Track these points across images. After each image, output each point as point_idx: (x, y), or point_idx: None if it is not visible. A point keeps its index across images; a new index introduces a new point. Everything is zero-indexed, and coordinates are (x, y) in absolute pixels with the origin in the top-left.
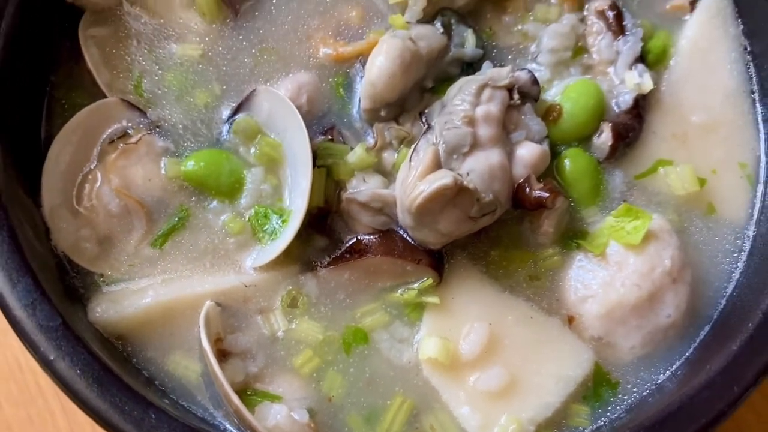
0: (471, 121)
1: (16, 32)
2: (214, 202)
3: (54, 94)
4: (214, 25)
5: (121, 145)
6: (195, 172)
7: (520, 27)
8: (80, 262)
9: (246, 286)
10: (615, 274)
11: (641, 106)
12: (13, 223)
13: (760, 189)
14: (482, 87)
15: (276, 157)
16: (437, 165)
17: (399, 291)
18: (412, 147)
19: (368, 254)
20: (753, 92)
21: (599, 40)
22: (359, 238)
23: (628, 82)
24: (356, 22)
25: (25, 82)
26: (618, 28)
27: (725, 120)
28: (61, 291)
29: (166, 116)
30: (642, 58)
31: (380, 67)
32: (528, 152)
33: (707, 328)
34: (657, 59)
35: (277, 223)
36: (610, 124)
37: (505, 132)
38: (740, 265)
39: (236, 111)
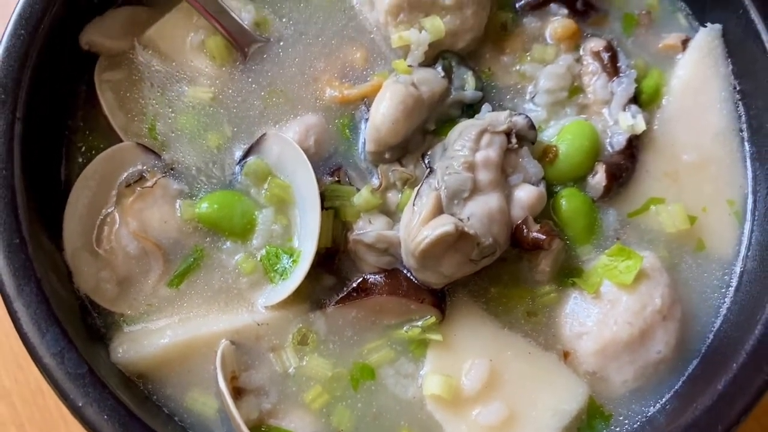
0: (471, 167)
1: (37, 81)
2: (228, 243)
3: (72, 139)
4: (224, 68)
5: (138, 188)
6: (209, 214)
7: (518, 67)
8: (101, 303)
9: (258, 325)
10: (608, 312)
11: (634, 146)
12: (39, 273)
13: (747, 226)
14: (482, 132)
15: (286, 198)
16: (439, 210)
17: (404, 328)
18: (415, 190)
19: (374, 294)
20: (742, 131)
21: (594, 81)
22: (365, 278)
23: (621, 124)
24: (360, 63)
25: (44, 128)
26: (613, 69)
27: (715, 158)
28: (85, 334)
29: (180, 159)
30: (635, 99)
31: (384, 114)
32: (526, 194)
33: (695, 362)
34: (650, 99)
35: (287, 263)
36: (604, 165)
37: (504, 175)
38: (727, 300)
39: (247, 153)
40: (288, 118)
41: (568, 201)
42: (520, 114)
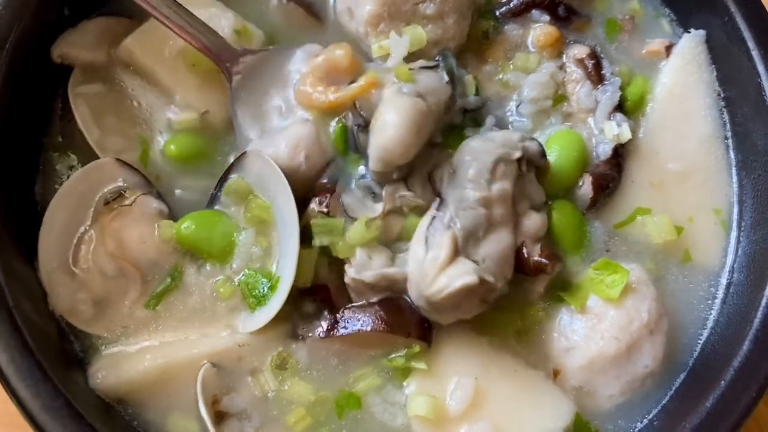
0: (488, 203)
1: (9, 97)
2: (207, 265)
3: (47, 155)
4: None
5: (116, 206)
6: (188, 235)
7: (500, 76)
8: (77, 324)
9: (240, 346)
10: (595, 327)
11: (620, 154)
12: (12, 302)
13: (734, 236)
14: (497, 162)
15: (266, 219)
16: (456, 252)
17: (388, 357)
18: (424, 222)
19: (359, 330)
20: (727, 138)
21: (578, 89)
22: (349, 314)
23: (607, 133)
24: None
25: (18, 144)
26: (597, 77)
27: (700, 166)
28: (61, 361)
29: (160, 176)
30: (620, 107)
31: (394, 135)
32: (533, 223)
33: (683, 375)
34: (635, 106)
35: (265, 287)
36: (590, 176)
37: (514, 204)
38: (714, 312)
39: (228, 171)
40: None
41: (559, 213)
42: (532, 139)
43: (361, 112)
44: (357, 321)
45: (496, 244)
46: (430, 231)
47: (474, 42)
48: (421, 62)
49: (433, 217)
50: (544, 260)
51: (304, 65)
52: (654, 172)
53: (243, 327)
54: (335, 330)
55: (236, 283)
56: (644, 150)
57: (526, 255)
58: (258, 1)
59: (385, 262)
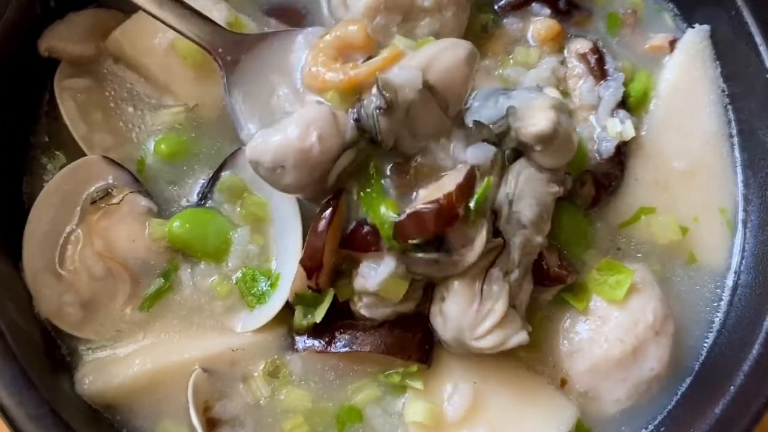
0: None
1: None
2: (201, 264)
3: (34, 153)
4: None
5: (104, 205)
6: (181, 233)
7: (500, 71)
8: (64, 328)
9: (233, 351)
10: (599, 329)
11: (623, 152)
12: None
13: (739, 236)
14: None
15: (263, 217)
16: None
17: (386, 373)
18: (482, 264)
19: (357, 350)
20: (732, 135)
21: (581, 85)
22: (348, 333)
23: (610, 130)
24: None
25: (3, 141)
26: (600, 72)
27: (705, 164)
28: (46, 366)
29: (150, 173)
30: (623, 103)
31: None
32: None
33: (689, 380)
34: (638, 103)
35: (265, 286)
36: (591, 175)
37: None
38: (720, 315)
39: (221, 168)
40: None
41: (559, 214)
42: (568, 174)
43: (384, 93)
44: (356, 340)
45: (527, 291)
46: (488, 279)
47: (472, 36)
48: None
49: (493, 262)
50: (564, 272)
51: (307, 50)
52: (658, 170)
53: (243, 326)
54: (332, 346)
55: (233, 282)
56: (648, 148)
57: (546, 267)
58: None
59: (392, 268)
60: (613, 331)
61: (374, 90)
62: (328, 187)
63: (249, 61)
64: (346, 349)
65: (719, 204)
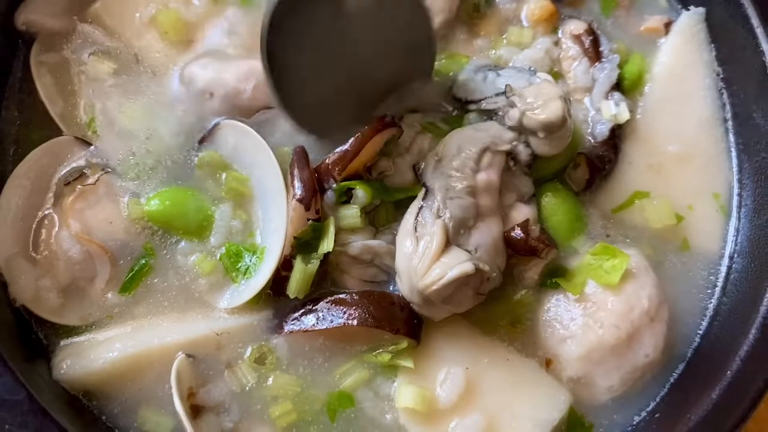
0: (473, 191)
1: None
2: (182, 242)
3: (5, 130)
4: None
5: (78, 186)
6: (161, 211)
7: (493, 52)
8: (42, 315)
9: (218, 334)
10: (593, 315)
11: (617, 135)
12: None
13: (733, 221)
14: (483, 151)
15: (244, 192)
16: (448, 242)
17: (374, 353)
18: (412, 213)
19: (344, 324)
20: (726, 120)
21: (575, 66)
22: (334, 307)
23: (604, 112)
24: None
25: None
26: (594, 54)
27: (699, 149)
28: (23, 352)
29: (125, 152)
30: (618, 86)
31: None
32: (521, 215)
33: (682, 366)
34: (632, 85)
35: (250, 260)
36: (585, 157)
37: (500, 196)
38: (714, 301)
39: (200, 143)
40: None
41: (551, 197)
42: (527, 146)
43: None
44: (343, 314)
45: (486, 234)
46: (419, 221)
47: (465, 15)
48: None
49: (421, 207)
50: (540, 244)
51: None
52: (653, 154)
53: (229, 302)
54: (320, 323)
55: (217, 258)
56: (643, 131)
57: (522, 236)
58: None
59: (368, 236)
60: (608, 317)
61: None
62: None
63: None
64: (335, 324)
65: (713, 189)
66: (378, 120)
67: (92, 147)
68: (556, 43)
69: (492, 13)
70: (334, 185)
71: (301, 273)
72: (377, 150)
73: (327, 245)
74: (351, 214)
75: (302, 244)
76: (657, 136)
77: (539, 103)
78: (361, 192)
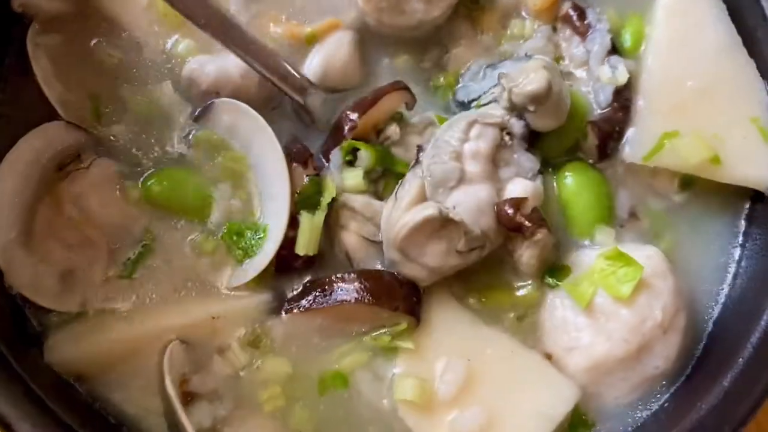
0: (458, 157)
1: None
2: (182, 223)
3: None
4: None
5: (73, 171)
6: (159, 193)
7: (499, 48)
8: (41, 302)
9: (213, 318)
10: (602, 327)
11: (624, 96)
12: None
13: None
14: (471, 123)
15: (242, 171)
16: (423, 198)
17: (372, 335)
18: (400, 182)
19: (341, 301)
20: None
21: (570, 46)
22: (332, 284)
23: (603, 77)
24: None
25: None
26: (583, 27)
27: (724, 77)
28: (16, 337)
29: (120, 135)
30: (615, 49)
31: None
32: (519, 189)
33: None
34: (636, 44)
35: (252, 238)
36: (592, 125)
37: (495, 168)
38: (725, 287)
39: (195, 122)
40: None
41: (573, 176)
42: (520, 120)
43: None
44: (341, 291)
45: (470, 196)
46: (401, 184)
47: (463, 7)
48: None
49: (407, 174)
50: (526, 222)
51: None
52: (673, 94)
53: (232, 281)
54: (316, 302)
55: (218, 237)
56: (658, 76)
57: (511, 212)
58: None
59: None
60: (617, 329)
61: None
62: None
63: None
64: (332, 301)
65: (750, 114)
66: (394, 82)
67: (86, 131)
68: (555, 29)
69: (491, 6)
70: (343, 143)
71: (308, 224)
72: (392, 109)
73: (329, 194)
74: (355, 174)
75: (305, 200)
76: (673, 75)
77: (523, 78)
78: (365, 153)
